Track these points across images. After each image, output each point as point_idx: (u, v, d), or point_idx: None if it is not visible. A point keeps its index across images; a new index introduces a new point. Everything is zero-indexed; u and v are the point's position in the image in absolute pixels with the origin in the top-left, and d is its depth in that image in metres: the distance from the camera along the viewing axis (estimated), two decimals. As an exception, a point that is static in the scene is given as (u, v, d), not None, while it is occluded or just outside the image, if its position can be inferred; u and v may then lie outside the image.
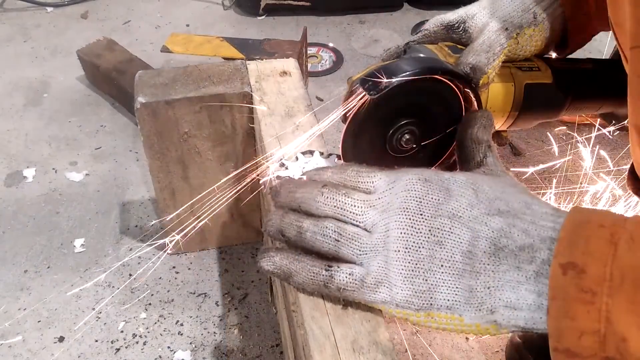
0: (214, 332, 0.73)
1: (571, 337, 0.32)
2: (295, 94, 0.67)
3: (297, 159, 0.54)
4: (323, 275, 0.39)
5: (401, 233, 0.38)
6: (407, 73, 0.47)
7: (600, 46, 1.12)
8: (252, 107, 0.67)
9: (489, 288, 0.35)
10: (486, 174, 0.43)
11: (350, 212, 0.40)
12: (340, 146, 0.51)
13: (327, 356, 0.39)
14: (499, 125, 0.62)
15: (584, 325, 0.31)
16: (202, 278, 0.79)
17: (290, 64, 0.72)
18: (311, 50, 1.27)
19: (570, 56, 0.67)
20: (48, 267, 0.81)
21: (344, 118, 0.51)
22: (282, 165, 0.54)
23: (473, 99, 0.52)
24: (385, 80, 0.47)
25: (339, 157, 0.55)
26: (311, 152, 0.55)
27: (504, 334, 0.37)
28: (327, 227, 0.40)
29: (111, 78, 1.10)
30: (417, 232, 0.37)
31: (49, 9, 1.46)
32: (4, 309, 0.75)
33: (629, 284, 0.30)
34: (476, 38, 0.56)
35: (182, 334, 0.72)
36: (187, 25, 1.40)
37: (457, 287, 0.36)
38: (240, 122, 0.69)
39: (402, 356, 0.70)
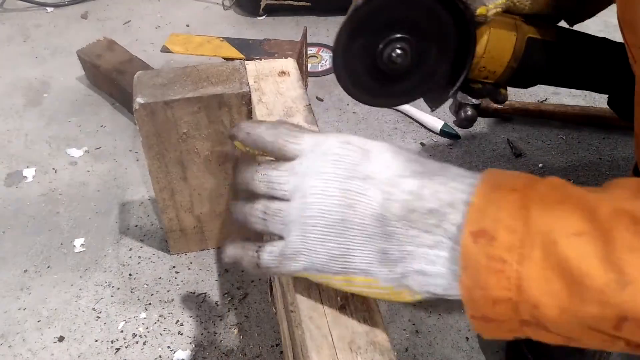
0: (214, 332, 0.73)
1: (485, 305, 0.32)
2: (294, 94, 0.67)
3: None
4: (254, 257, 0.40)
5: (315, 197, 0.37)
6: None
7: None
8: (251, 108, 0.67)
9: (400, 252, 0.35)
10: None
11: (277, 184, 0.39)
12: (333, 44, 0.51)
13: (325, 356, 0.39)
14: (497, 75, 0.61)
15: (496, 294, 0.31)
16: (202, 278, 0.80)
17: (289, 64, 0.72)
18: (311, 50, 1.27)
19: None
20: (48, 267, 0.81)
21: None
22: None
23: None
24: None
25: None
26: None
27: (417, 299, 0.36)
28: (256, 208, 0.40)
29: (111, 78, 1.10)
30: (329, 195, 0.37)
31: (49, 9, 1.46)
32: (4, 309, 0.75)
33: (538, 250, 0.30)
34: None
35: (182, 334, 0.72)
36: (187, 26, 1.41)
37: (369, 250, 0.36)
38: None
39: (402, 356, 0.70)
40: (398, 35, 0.51)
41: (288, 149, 0.40)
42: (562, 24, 0.63)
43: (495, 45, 0.57)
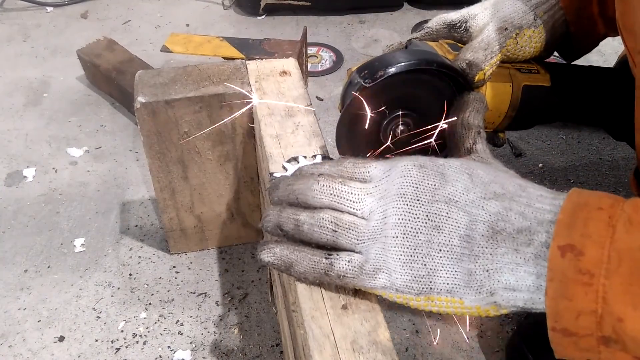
0: (214, 332, 0.73)
1: (569, 317, 0.33)
2: (295, 93, 0.67)
3: (285, 169, 0.54)
4: (323, 263, 0.40)
5: (399, 219, 0.38)
6: (403, 64, 0.48)
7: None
8: (252, 107, 0.67)
9: (487, 271, 0.36)
10: (477, 161, 0.44)
11: (347, 200, 0.40)
12: (335, 136, 0.52)
13: (327, 356, 0.39)
14: (496, 125, 0.62)
15: (582, 306, 0.32)
16: (202, 278, 0.79)
17: (290, 63, 0.72)
18: (311, 50, 1.27)
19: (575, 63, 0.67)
20: (48, 267, 0.81)
21: (341, 108, 0.51)
22: (284, 168, 0.54)
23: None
24: (381, 70, 0.47)
25: (324, 157, 0.55)
26: (295, 159, 0.55)
27: (501, 313, 0.37)
28: (323, 219, 0.40)
29: (111, 78, 1.10)
30: (414, 218, 0.38)
31: (49, 9, 1.46)
32: (4, 309, 0.75)
33: (625, 266, 0.31)
34: (476, 36, 0.57)
35: (182, 334, 0.72)
36: (187, 25, 1.41)
37: (456, 271, 0.37)
38: (240, 122, 0.69)
39: (402, 356, 0.70)
40: (401, 112, 0.52)
41: (356, 174, 0.41)
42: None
43: (493, 99, 0.59)
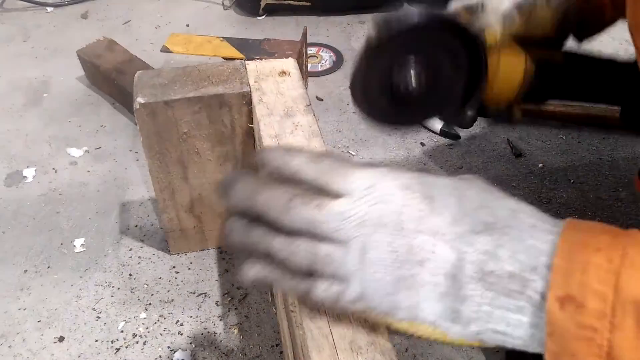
0: (214, 332, 0.73)
1: None
2: (295, 93, 0.67)
3: None
4: (302, 287, 0.37)
5: (378, 253, 0.35)
6: (420, 17, 0.50)
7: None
8: (252, 107, 0.67)
9: (476, 313, 0.34)
10: (465, 180, 0.40)
11: (325, 228, 0.36)
12: (349, 84, 0.53)
13: (326, 356, 0.39)
14: (511, 99, 0.62)
15: None
16: (202, 278, 0.79)
17: (289, 63, 0.72)
18: (311, 50, 1.27)
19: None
20: (48, 267, 0.81)
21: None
22: None
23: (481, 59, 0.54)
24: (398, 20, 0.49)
25: None
26: None
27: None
28: (299, 249, 0.36)
29: (111, 78, 1.10)
30: (395, 251, 0.35)
31: (49, 9, 1.46)
32: (4, 309, 0.75)
33: (630, 319, 0.29)
34: (491, 10, 0.57)
35: (182, 334, 0.72)
36: (187, 25, 1.41)
37: (441, 307, 0.35)
38: (239, 122, 0.70)
39: (402, 356, 0.70)
40: (413, 60, 0.53)
41: (333, 188, 0.36)
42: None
43: (506, 70, 0.59)
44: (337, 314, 0.41)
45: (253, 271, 0.39)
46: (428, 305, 0.35)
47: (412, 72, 0.53)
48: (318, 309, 0.42)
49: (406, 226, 0.35)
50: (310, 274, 0.37)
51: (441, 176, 0.38)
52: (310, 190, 0.37)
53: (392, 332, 0.41)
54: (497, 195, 0.37)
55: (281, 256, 0.37)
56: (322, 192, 0.37)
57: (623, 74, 0.64)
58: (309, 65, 1.22)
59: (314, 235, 0.36)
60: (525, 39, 0.61)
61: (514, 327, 0.33)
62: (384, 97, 0.55)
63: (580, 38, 0.66)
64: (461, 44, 0.53)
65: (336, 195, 0.36)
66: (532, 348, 0.33)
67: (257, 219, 0.38)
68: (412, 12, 0.50)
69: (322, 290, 0.37)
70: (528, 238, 0.33)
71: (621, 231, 0.32)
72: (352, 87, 0.53)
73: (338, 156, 0.39)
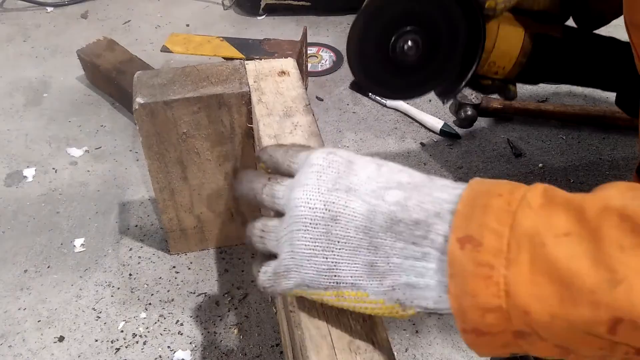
0: (214, 332, 0.73)
1: (475, 315, 0.31)
2: (294, 93, 0.67)
3: None
4: (258, 277, 0.40)
5: (298, 211, 0.37)
6: None
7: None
8: (251, 107, 0.67)
9: (388, 264, 0.34)
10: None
11: (277, 198, 0.39)
12: (345, 48, 0.52)
13: (324, 356, 0.39)
14: (506, 71, 0.61)
15: (485, 302, 0.30)
16: (202, 278, 0.80)
17: (288, 63, 0.72)
18: (311, 50, 1.27)
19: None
20: (48, 267, 0.81)
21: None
22: None
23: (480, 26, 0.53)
24: None
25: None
26: None
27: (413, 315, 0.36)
28: (255, 227, 0.40)
29: (111, 78, 1.10)
30: (312, 209, 0.36)
31: (49, 9, 1.46)
32: (4, 309, 0.75)
33: (526, 254, 0.29)
34: None
35: (182, 334, 0.72)
36: (187, 25, 1.41)
37: (356, 263, 0.35)
38: (238, 122, 0.70)
39: (402, 356, 0.70)
40: (410, 28, 0.52)
41: (291, 168, 0.40)
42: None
43: (505, 40, 0.58)
44: (336, 314, 0.41)
45: (253, 269, 0.41)
46: (345, 264, 0.36)
47: (409, 42, 0.52)
48: (322, 307, 0.42)
49: (323, 186, 0.37)
50: (260, 266, 0.40)
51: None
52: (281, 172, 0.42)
53: (400, 331, 0.40)
54: (417, 170, 0.38)
55: (249, 238, 0.41)
56: (288, 175, 0.41)
57: (622, 54, 0.63)
58: (309, 65, 1.22)
59: (276, 212, 0.40)
60: (524, 11, 0.60)
61: (422, 275, 0.33)
62: (380, 63, 0.54)
63: (584, 24, 0.65)
64: (460, 11, 0.52)
65: (292, 175, 0.40)
66: (441, 302, 0.33)
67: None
68: None
69: (262, 274, 0.39)
70: (436, 192, 0.34)
71: (523, 184, 0.32)
72: (348, 49, 0.52)
73: (303, 145, 0.43)
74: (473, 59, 0.56)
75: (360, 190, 0.36)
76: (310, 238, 0.36)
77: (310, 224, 0.36)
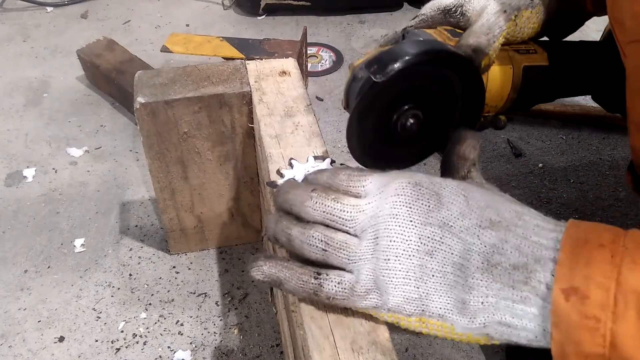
0: (214, 332, 0.73)
1: (576, 359, 0.32)
2: (295, 93, 0.67)
3: (291, 166, 0.54)
4: (312, 283, 0.39)
5: (390, 241, 0.37)
6: (413, 55, 0.47)
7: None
8: (252, 107, 0.67)
9: (482, 304, 0.35)
10: (472, 184, 0.43)
11: (339, 218, 0.39)
12: (345, 133, 0.51)
13: (326, 356, 0.39)
14: (498, 108, 0.62)
15: (589, 350, 0.31)
16: (202, 278, 0.79)
17: (289, 63, 0.72)
18: (311, 50, 1.27)
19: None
20: (48, 267, 0.81)
21: (346, 104, 0.51)
22: (280, 174, 0.54)
23: (476, 81, 0.52)
24: (391, 63, 0.46)
25: (333, 161, 0.55)
26: (290, 164, 0.55)
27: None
28: (313, 236, 0.39)
29: (111, 78, 1.10)
30: (406, 240, 0.37)
31: (49, 9, 1.46)
32: (4, 309, 0.75)
33: (632, 309, 0.30)
34: (475, 21, 0.56)
35: (182, 334, 0.72)
36: (187, 25, 1.41)
37: (449, 297, 0.36)
38: (239, 122, 0.69)
39: (402, 356, 0.70)
40: (410, 105, 0.52)
41: (351, 188, 0.40)
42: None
43: (495, 82, 0.59)
44: (338, 314, 0.41)
45: (262, 270, 0.41)
46: (437, 296, 0.36)
47: (410, 119, 0.52)
48: (323, 307, 0.42)
49: (415, 218, 0.37)
50: (319, 272, 0.39)
51: (448, 178, 0.40)
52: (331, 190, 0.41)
53: (400, 331, 0.42)
54: (501, 197, 0.39)
55: (297, 243, 0.40)
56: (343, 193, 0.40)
57: (594, 54, 0.64)
58: (309, 65, 1.22)
59: (330, 226, 0.39)
60: (508, 43, 0.60)
61: (519, 317, 0.34)
62: (380, 141, 0.53)
63: (556, 36, 0.65)
64: (455, 74, 0.51)
65: (355, 196, 0.40)
66: (536, 342, 0.34)
67: (287, 213, 0.42)
68: (405, 50, 0.48)
69: (335, 284, 0.38)
70: (532, 235, 0.35)
71: (620, 230, 0.34)
72: (348, 136, 0.51)
73: (353, 168, 0.43)
74: (475, 113, 0.55)
75: (454, 227, 0.36)
76: (402, 268, 0.37)
77: (402, 255, 0.37)
